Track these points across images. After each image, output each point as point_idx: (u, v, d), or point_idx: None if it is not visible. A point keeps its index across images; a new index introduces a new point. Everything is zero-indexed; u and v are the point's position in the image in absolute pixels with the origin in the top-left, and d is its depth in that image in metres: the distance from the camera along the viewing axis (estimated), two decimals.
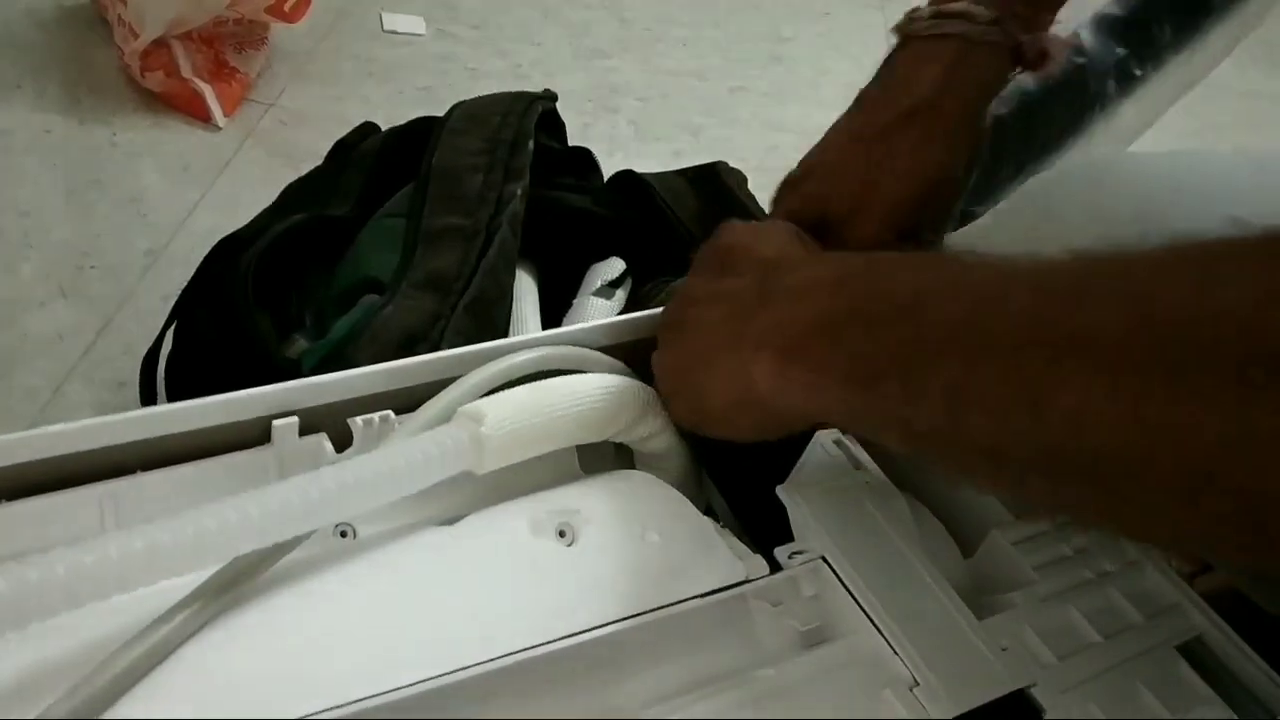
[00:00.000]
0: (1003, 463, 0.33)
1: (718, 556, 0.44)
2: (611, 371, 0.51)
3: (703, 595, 0.43)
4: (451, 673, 0.38)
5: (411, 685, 0.37)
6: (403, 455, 0.41)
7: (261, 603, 0.39)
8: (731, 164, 0.90)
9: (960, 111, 0.54)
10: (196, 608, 0.38)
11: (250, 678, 0.37)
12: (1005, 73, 0.55)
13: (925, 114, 0.53)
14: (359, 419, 0.46)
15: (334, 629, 0.39)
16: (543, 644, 0.39)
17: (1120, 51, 0.64)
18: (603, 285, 0.78)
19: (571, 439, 0.48)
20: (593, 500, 0.46)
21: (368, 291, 0.67)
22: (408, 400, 0.48)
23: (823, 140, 0.57)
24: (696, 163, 0.90)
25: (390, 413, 0.47)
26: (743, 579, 0.44)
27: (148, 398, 0.72)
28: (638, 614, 0.41)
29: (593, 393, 0.48)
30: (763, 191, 0.91)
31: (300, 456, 0.46)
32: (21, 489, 0.42)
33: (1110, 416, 0.28)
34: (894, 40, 0.56)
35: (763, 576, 0.44)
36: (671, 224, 0.79)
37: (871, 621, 0.43)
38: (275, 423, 0.45)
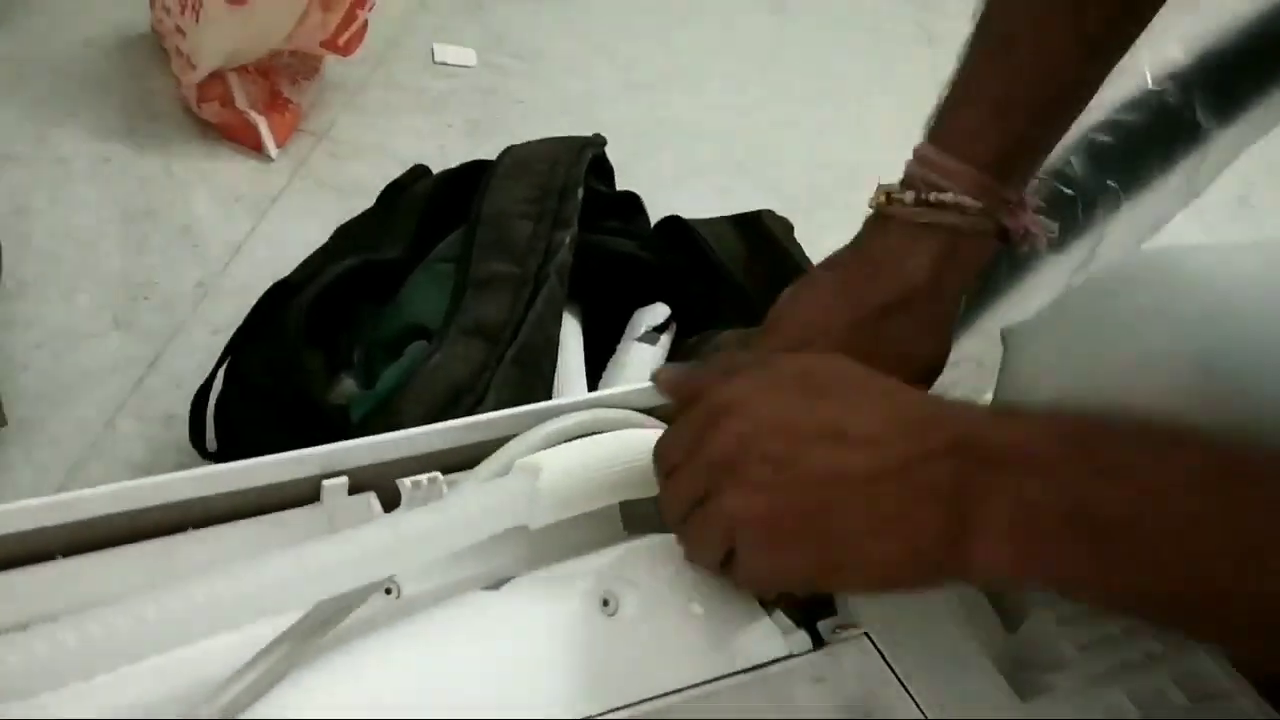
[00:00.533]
0: None
1: (760, 630, 0.44)
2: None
3: (745, 671, 0.43)
4: None
5: None
6: (461, 508, 0.42)
7: (313, 663, 0.40)
8: (777, 200, 0.91)
9: (951, 298, 0.55)
10: (285, 650, 0.39)
11: None
12: (991, 255, 0.56)
13: (917, 303, 0.54)
14: (408, 480, 0.46)
15: (382, 693, 0.40)
16: (585, 719, 0.40)
17: (1111, 184, 0.64)
18: (648, 331, 0.78)
19: (623, 493, 0.49)
20: (637, 568, 0.46)
21: (415, 338, 0.68)
22: (456, 460, 0.49)
23: (803, 305, 0.57)
24: (742, 201, 0.91)
25: (439, 474, 0.47)
26: (785, 654, 0.44)
27: (196, 434, 0.73)
28: (680, 689, 0.41)
29: (643, 448, 0.49)
30: (807, 230, 0.91)
31: (349, 515, 0.46)
32: (73, 547, 0.43)
33: None
34: (870, 213, 0.56)
35: (805, 652, 0.44)
36: (717, 270, 0.80)
37: (914, 701, 0.43)
38: (325, 483, 0.46)
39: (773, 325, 0.57)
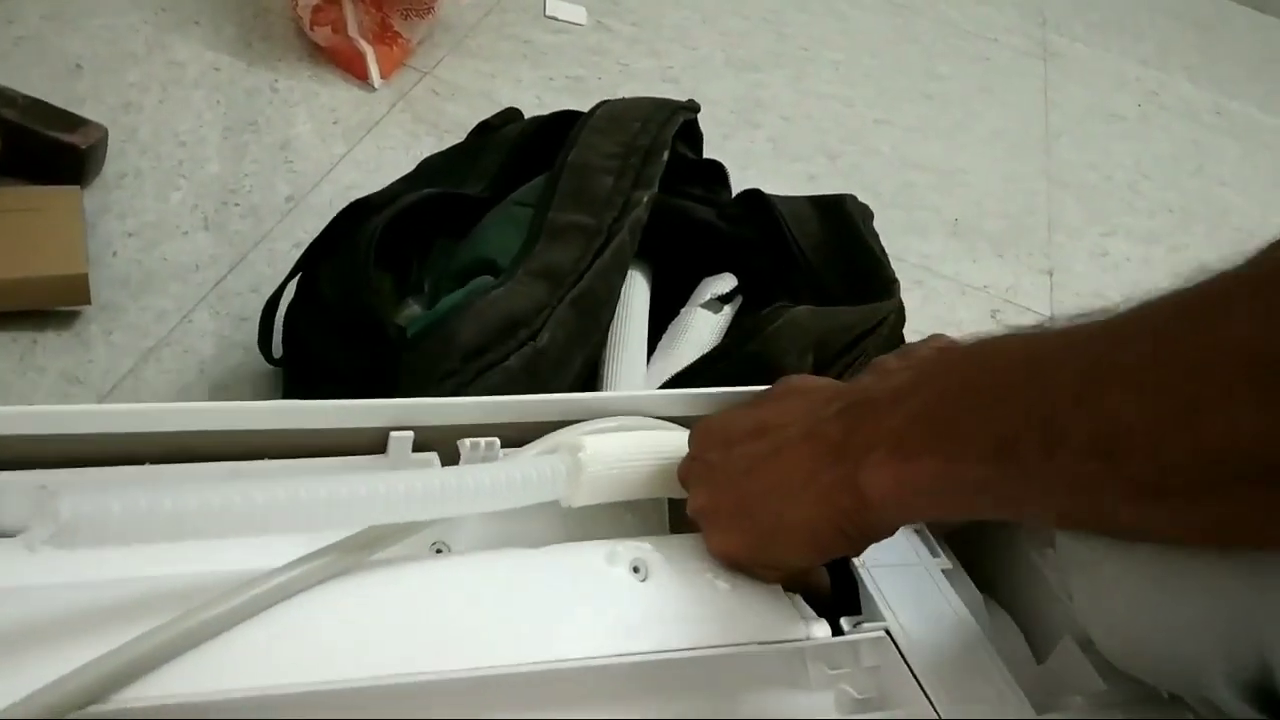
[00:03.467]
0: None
1: (783, 614, 0.45)
2: None
3: (763, 643, 0.43)
4: (512, 666, 0.40)
5: (475, 670, 0.39)
6: (504, 473, 0.44)
7: (357, 580, 0.41)
8: (863, 196, 0.89)
9: None
10: (327, 559, 0.40)
11: (335, 640, 0.39)
12: None
13: None
14: (467, 441, 0.48)
15: (416, 611, 0.41)
16: (602, 657, 0.40)
17: None
18: (712, 299, 0.79)
19: (661, 490, 0.49)
20: (669, 547, 0.47)
21: (484, 273, 0.68)
22: (516, 433, 0.49)
23: None
24: (829, 189, 0.90)
25: (496, 440, 0.48)
26: (804, 638, 0.44)
27: (264, 339, 0.75)
28: (694, 648, 0.42)
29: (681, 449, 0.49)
30: (888, 228, 0.90)
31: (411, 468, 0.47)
32: (155, 457, 0.45)
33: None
34: None
35: (825, 639, 0.44)
36: (790, 249, 0.79)
37: (928, 699, 0.42)
38: (393, 434, 0.47)
39: None
